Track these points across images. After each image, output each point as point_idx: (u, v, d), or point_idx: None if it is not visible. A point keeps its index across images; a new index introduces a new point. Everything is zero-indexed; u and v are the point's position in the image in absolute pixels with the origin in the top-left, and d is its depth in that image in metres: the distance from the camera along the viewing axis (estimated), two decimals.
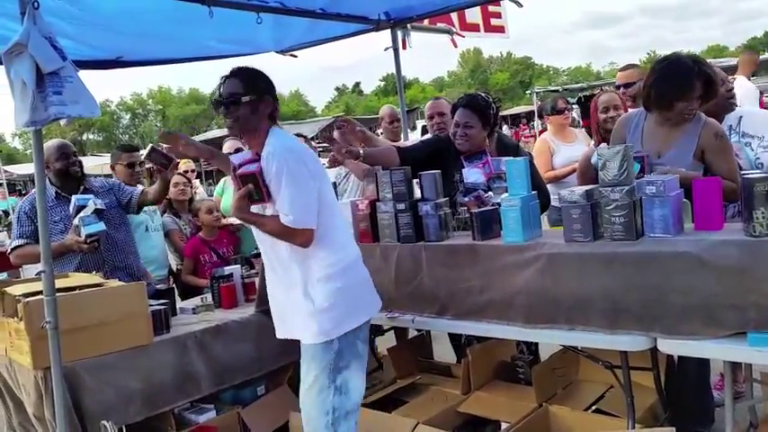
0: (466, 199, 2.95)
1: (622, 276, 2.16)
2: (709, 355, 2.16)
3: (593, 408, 2.87)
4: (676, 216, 2.18)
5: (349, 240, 2.54)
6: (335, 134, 3.38)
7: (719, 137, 2.62)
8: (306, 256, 2.37)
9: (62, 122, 2.51)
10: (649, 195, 2.19)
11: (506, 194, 2.52)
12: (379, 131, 4.63)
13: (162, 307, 2.97)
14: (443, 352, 3.98)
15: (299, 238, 2.32)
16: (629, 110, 3.32)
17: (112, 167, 4.20)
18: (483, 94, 3.15)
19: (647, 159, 2.57)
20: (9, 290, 2.76)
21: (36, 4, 2.34)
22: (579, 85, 13.89)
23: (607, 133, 3.20)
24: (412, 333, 3.86)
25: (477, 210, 2.66)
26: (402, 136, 4.77)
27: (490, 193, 2.86)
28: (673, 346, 2.14)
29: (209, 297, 3.50)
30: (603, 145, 2.31)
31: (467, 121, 3.04)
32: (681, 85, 2.53)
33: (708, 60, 2.80)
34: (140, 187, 3.73)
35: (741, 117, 3.02)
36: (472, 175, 2.98)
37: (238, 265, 3.71)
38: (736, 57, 8.52)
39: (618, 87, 3.83)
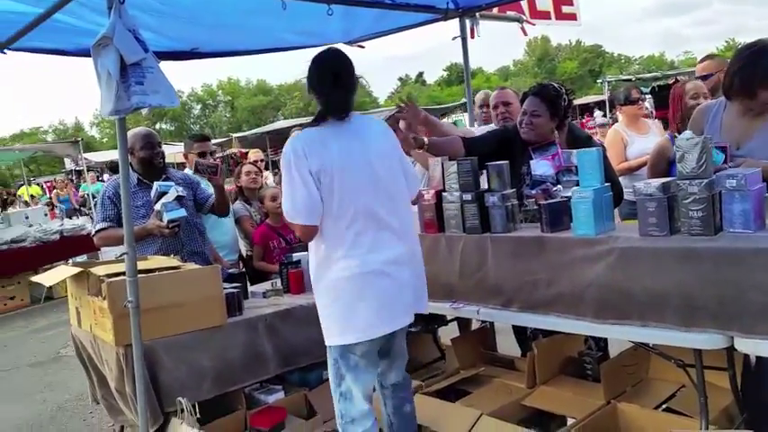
0: (533, 191, 2.91)
1: (699, 272, 2.09)
2: None
3: (664, 407, 2.80)
4: (758, 211, 2.09)
5: (342, 256, 2.31)
6: (401, 125, 3.38)
7: None
8: (311, 251, 2.47)
9: (143, 112, 2.64)
10: (729, 189, 2.10)
11: (577, 187, 2.47)
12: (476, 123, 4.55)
13: (235, 290, 3.09)
14: (507, 345, 3.96)
15: (296, 230, 2.43)
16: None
17: (185, 156, 4.36)
18: (555, 85, 3.09)
19: (729, 149, 2.46)
20: (93, 270, 2.92)
21: None
22: (653, 74, 13.35)
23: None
24: (475, 324, 3.85)
25: (545, 201, 2.62)
26: (468, 126, 4.74)
27: (559, 186, 2.80)
28: (750, 346, 2.05)
29: (278, 282, 3.61)
30: (686, 133, 2.21)
31: (534, 110, 3.00)
32: (766, 72, 2.42)
33: None
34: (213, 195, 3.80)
35: None
36: (541, 167, 2.93)
37: (306, 252, 3.79)
38: None
39: (702, 78, 3.69)
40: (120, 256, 2.70)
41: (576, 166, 2.67)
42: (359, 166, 2.32)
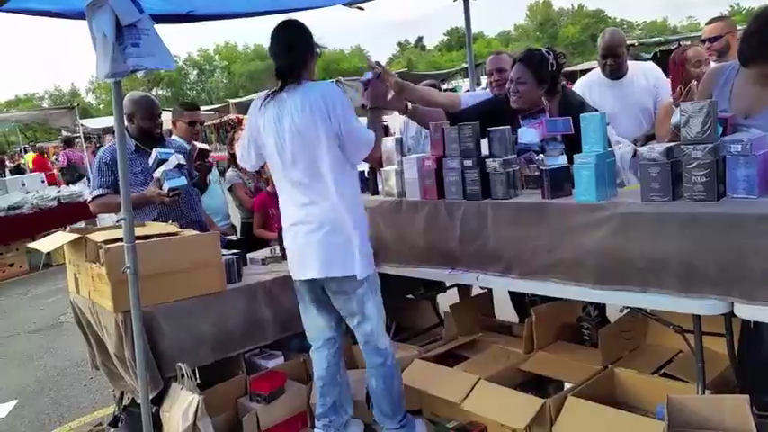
0: (535, 160, 2.87)
1: (701, 238, 2.07)
2: None
3: (661, 372, 2.82)
4: (762, 177, 2.07)
5: (282, 205, 2.79)
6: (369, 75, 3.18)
7: None
8: None
9: (139, 74, 2.58)
10: (734, 154, 2.08)
11: (562, 155, 2.43)
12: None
13: (235, 257, 3.08)
14: (505, 311, 3.97)
15: None
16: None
17: (174, 123, 4.31)
18: (544, 50, 3.00)
19: (730, 120, 2.40)
20: (91, 237, 2.90)
21: None
22: (655, 39, 13.17)
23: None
24: (476, 291, 3.86)
25: (547, 167, 2.59)
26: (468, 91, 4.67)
27: (541, 155, 2.73)
28: (750, 312, 2.05)
29: (277, 249, 3.60)
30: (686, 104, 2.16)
31: (519, 77, 2.94)
32: None
33: None
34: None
35: None
36: (527, 135, 2.85)
37: None
38: None
39: (703, 41, 3.63)
40: (118, 221, 2.68)
41: (562, 135, 2.65)
42: (272, 138, 2.65)
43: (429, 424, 2.96)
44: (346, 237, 2.63)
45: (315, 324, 2.84)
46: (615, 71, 3.72)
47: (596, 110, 3.07)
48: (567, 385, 2.78)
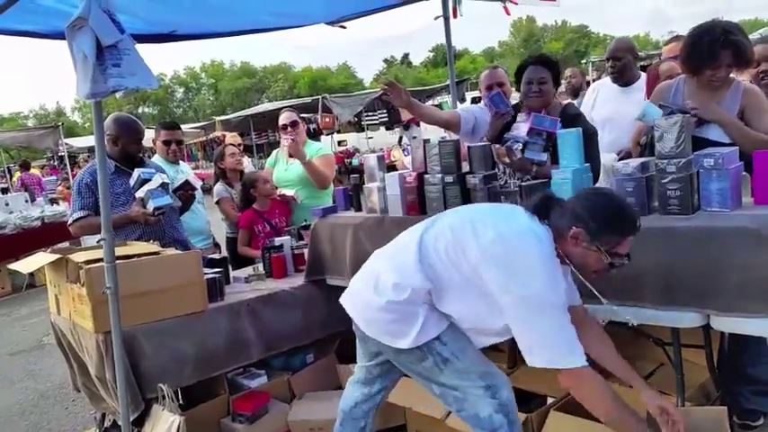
0: (497, 146, 2.95)
1: (676, 251, 2.10)
2: (765, 333, 2.09)
3: None
4: (735, 190, 2.11)
5: None
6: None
7: (757, 95, 2.73)
8: None
9: (118, 95, 2.58)
10: (707, 168, 2.11)
11: (545, 152, 2.51)
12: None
13: (217, 275, 3.07)
14: None
15: None
16: None
17: (154, 142, 4.31)
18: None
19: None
20: (72, 257, 2.88)
21: None
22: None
23: None
24: None
25: (526, 183, 2.62)
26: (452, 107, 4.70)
27: (518, 144, 2.83)
28: (726, 324, 2.08)
29: (260, 267, 3.59)
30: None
31: (542, 77, 3.03)
32: (707, 53, 2.62)
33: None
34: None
35: None
36: (517, 129, 3.00)
37: (289, 237, 3.79)
38: None
39: (674, 58, 3.71)
40: (99, 242, 2.66)
41: (547, 131, 2.75)
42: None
43: None
44: None
45: None
46: (616, 75, 3.88)
47: (591, 125, 3.14)
48: (550, 400, 2.78)
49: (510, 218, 2.05)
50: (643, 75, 3.97)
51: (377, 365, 2.37)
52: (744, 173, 2.21)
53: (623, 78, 3.86)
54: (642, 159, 2.25)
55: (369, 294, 2.15)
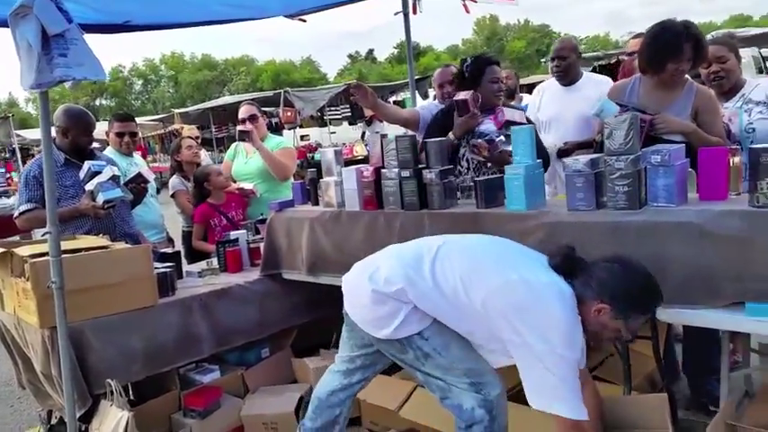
0: (478, 141, 2.98)
1: (624, 246, 2.14)
2: (708, 324, 2.15)
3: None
4: (681, 186, 2.16)
5: None
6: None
7: (711, 98, 2.81)
8: None
9: (67, 85, 2.51)
10: (654, 165, 2.16)
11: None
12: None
13: (167, 270, 3.01)
14: None
15: None
16: None
17: (107, 134, 4.21)
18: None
19: (646, 123, 2.60)
20: (17, 251, 2.80)
21: None
22: (595, 53, 13.61)
23: None
24: None
25: (480, 178, 2.65)
26: (409, 105, 4.72)
27: (501, 137, 2.90)
28: (671, 315, 2.13)
29: (214, 261, 3.54)
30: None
31: (503, 77, 3.24)
32: (671, 46, 2.67)
33: (730, 30, 2.88)
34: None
35: (758, 84, 3.07)
36: (483, 125, 3.06)
37: (244, 231, 3.74)
38: (761, 27, 8.35)
39: (630, 54, 3.79)
40: (44, 235, 2.59)
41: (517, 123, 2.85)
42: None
43: None
44: None
45: None
46: (561, 74, 3.92)
47: (532, 123, 3.22)
48: None
49: (537, 265, 2.04)
50: (585, 73, 4.04)
51: (362, 356, 2.37)
52: (690, 169, 2.27)
53: (568, 77, 3.90)
54: (592, 156, 2.29)
55: (362, 280, 2.17)
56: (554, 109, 3.85)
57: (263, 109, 5.04)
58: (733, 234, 1.97)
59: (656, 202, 2.18)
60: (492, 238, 2.28)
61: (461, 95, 3.04)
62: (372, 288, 2.11)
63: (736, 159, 2.19)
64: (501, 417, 2.12)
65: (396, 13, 4.44)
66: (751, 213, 1.96)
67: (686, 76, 2.83)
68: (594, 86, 3.89)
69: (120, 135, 4.06)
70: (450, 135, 3.10)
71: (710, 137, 2.68)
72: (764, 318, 1.91)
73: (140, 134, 7.80)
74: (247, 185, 4.20)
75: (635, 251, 2.13)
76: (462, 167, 3.13)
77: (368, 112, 5.10)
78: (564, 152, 3.52)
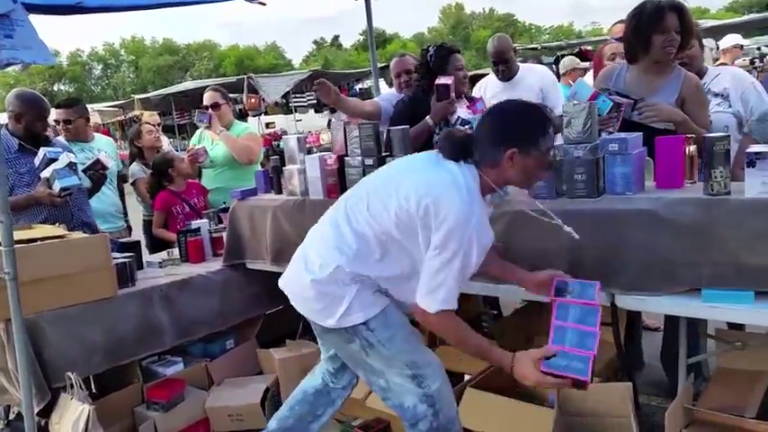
0: (463, 128, 2.96)
1: (583, 233, 2.16)
2: (665, 311, 2.20)
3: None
4: (638, 174, 2.20)
5: None
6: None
7: (699, 88, 2.71)
8: None
9: (17, 68, 2.43)
10: (611, 153, 2.19)
11: None
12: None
13: (126, 260, 2.95)
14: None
15: None
16: None
17: (56, 122, 4.10)
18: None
19: (624, 107, 2.55)
20: None
21: None
22: (558, 43, 13.78)
23: None
24: None
25: None
26: (373, 93, 4.70)
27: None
28: (630, 302, 2.18)
29: (176, 251, 3.48)
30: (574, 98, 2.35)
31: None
32: (654, 18, 2.57)
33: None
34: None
35: (718, 75, 3.04)
36: (460, 111, 3.11)
37: (206, 220, 3.69)
38: (717, 19, 8.53)
39: (619, 40, 3.83)
40: None
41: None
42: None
43: (335, 423, 2.95)
44: None
45: None
46: (507, 74, 3.96)
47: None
48: (467, 377, 2.85)
49: (428, 167, 2.01)
50: (521, 65, 4.12)
51: (332, 358, 2.32)
52: (647, 158, 2.31)
53: (510, 74, 3.96)
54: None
55: (300, 274, 2.11)
56: None
57: (231, 95, 4.94)
58: (688, 222, 2.02)
59: (614, 191, 2.22)
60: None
61: (443, 80, 3.03)
62: (311, 278, 2.05)
63: (692, 148, 2.23)
64: (446, 409, 2.10)
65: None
66: (705, 201, 2.01)
67: (674, 63, 2.72)
68: (533, 76, 3.98)
69: (57, 122, 3.95)
70: (429, 120, 3.10)
71: (699, 129, 2.55)
72: (719, 304, 1.96)
73: (99, 120, 7.60)
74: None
75: (594, 239, 2.17)
76: None
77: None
78: None
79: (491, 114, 2.05)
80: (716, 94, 2.94)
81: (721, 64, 4.89)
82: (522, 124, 1.95)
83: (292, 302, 2.20)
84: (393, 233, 1.98)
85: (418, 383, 2.05)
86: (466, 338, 2.04)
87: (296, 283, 2.15)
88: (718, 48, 6.54)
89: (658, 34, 2.58)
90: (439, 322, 1.99)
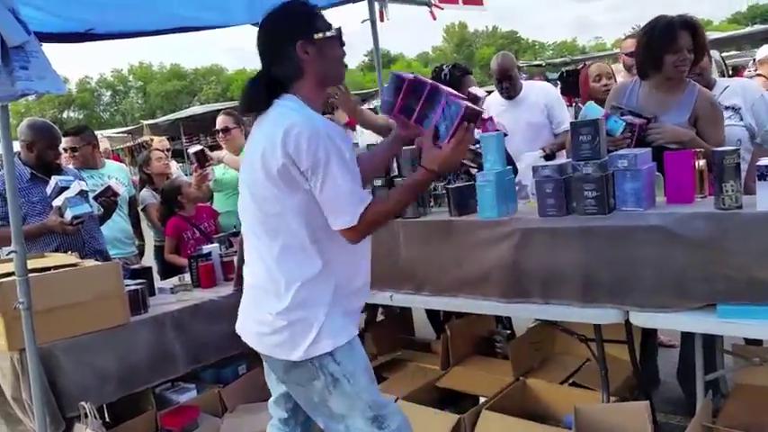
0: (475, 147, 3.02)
1: (594, 250, 2.17)
2: (680, 327, 2.19)
3: (570, 381, 2.91)
4: (648, 190, 2.19)
5: None
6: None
7: (713, 105, 2.64)
8: None
9: (31, 98, 2.47)
10: (621, 169, 2.19)
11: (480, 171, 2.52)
12: None
13: (139, 287, 2.96)
14: (426, 329, 4.01)
15: None
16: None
17: (64, 149, 4.13)
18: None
19: (639, 128, 2.51)
20: None
21: None
22: (563, 59, 13.84)
23: (600, 103, 3.19)
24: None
25: (451, 186, 2.66)
26: (380, 113, 4.73)
27: None
28: (644, 319, 2.16)
29: (187, 276, 3.49)
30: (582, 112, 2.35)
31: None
32: (666, 37, 2.53)
33: None
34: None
35: (727, 87, 3.02)
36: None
37: (217, 244, 3.70)
38: (721, 31, 8.55)
39: (630, 55, 3.83)
40: (9, 254, 2.53)
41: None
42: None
43: None
44: None
45: None
46: (510, 92, 3.94)
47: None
48: (482, 399, 2.82)
49: (259, 132, 1.89)
50: (525, 83, 4.10)
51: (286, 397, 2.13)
52: (657, 173, 2.31)
53: (514, 92, 3.93)
54: (560, 162, 2.32)
55: (260, 313, 1.94)
56: (505, 121, 3.85)
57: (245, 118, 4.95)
58: (700, 236, 2.01)
59: (624, 207, 2.21)
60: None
61: (475, 90, 3.02)
62: (276, 311, 1.88)
63: (701, 162, 2.23)
64: None
65: (363, 21, 4.44)
66: (717, 215, 2.00)
67: (688, 79, 2.67)
68: (537, 93, 3.96)
69: (65, 150, 3.99)
70: None
71: (708, 148, 2.40)
72: (735, 319, 1.95)
73: (109, 146, 7.69)
74: (210, 174, 4.06)
75: (605, 256, 2.16)
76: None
77: (342, 118, 5.04)
78: (548, 157, 3.56)
79: (259, 40, 1.91)
80: (726, 108, 2.90)
81: (758, 75, 4.81)
82: (286, 18, 1.88)
83: (256, 347, 2.00)
84: (277, 207, 1.85)
85: (379, 425, 1.91)
86: (391, 208, 1.92)
87: (259, 323, 1.95)
88: (724, 61, 6.53)
89: (670, 54, 2.53)
90: (366, 225, 1.84)
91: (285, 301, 1.88)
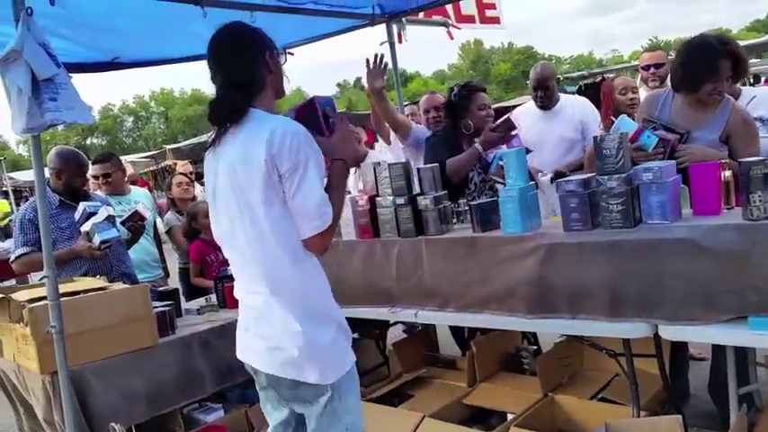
0: (493, 170, 3.09)
1: (621, 264, 2.15)
2: (711, 340, 2.16)
3: (599, 396, 2.87)
4: (674, 202, 2.18)
5: None
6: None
7: (746, 123, 2.60)
8: None
9: (60, 128, 2.54)
10: (646, 182, 2.18)
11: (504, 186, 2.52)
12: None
13: (166, 309, 3.00)
14: (451, 346, 3.99)
15: None
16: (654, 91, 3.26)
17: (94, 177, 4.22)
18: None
19: (673, 143, 2.50)
20: (14, 296, 2.78)
21: (30, 10, 2.36)
22: (580, 72, 13.80)
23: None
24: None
25: (474, 202, 2.66)
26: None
27: None
28: (673, 332, 2.14)
29: (213, 297, 3.52)
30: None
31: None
32: (707, 66, 2.49)
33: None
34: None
35: (754, 97, 2.99)
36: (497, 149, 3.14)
37: None
38: (740, 39, 8.49)
39: (646, 68, 3.83)
40: (41, 279, 2.58)
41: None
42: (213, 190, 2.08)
43: None
44: None
45: None
46: (545, 102, 3.90)
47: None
48: (510, 416, 2.80)
49: (237, 147, 1.84)
50: (562, 95, 4.05)
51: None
52: (682, 185, 2.29)
53: (551, 103, 3.90)
54: (584, 176, 2.31)
55: (284, 328, 1.85)
56: (535, 133, 3.82)
57: None
58: (729, 248, 1.98)
59: (650, 220, 2.20)
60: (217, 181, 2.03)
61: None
62: (302, 328, 1.82)
63: (727, 173, 2.21)
64: None
65: (381, 44, 4.50)
66: (745, 227, 1.98)
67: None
68: (573, 108, 3.93)
69: (95, 177, 4.06)
70: (478, 146, 3.11)
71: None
72: (767, 331, 1.91)
73: (132, 170, 7.84)
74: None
75: (632, 269, 2.15)
76: (470, 189, 3.21)
77: (360, 134, 4.99)
78: (560, 175, 3.53)
79: (227, 49, 1.91)
80: (754, 119, 2.88)
81: None
82: (249, 30, 1.93)
83: (267, 369, 1.92)
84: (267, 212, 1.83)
85: None
86: (338, 209, 1.88)
87: (279, 341, 1.86)
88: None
89: (709, 83, 2.50)
90: (331, 229, 1.84)
91: (296, 323, 1.83)
